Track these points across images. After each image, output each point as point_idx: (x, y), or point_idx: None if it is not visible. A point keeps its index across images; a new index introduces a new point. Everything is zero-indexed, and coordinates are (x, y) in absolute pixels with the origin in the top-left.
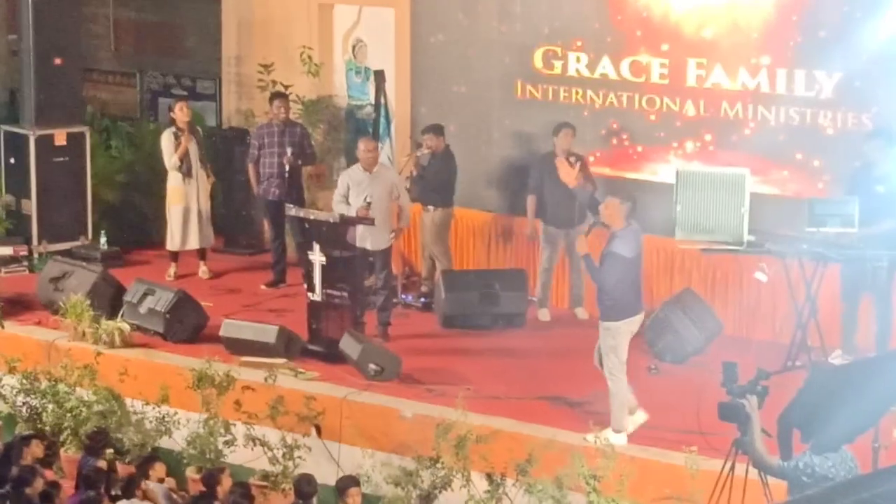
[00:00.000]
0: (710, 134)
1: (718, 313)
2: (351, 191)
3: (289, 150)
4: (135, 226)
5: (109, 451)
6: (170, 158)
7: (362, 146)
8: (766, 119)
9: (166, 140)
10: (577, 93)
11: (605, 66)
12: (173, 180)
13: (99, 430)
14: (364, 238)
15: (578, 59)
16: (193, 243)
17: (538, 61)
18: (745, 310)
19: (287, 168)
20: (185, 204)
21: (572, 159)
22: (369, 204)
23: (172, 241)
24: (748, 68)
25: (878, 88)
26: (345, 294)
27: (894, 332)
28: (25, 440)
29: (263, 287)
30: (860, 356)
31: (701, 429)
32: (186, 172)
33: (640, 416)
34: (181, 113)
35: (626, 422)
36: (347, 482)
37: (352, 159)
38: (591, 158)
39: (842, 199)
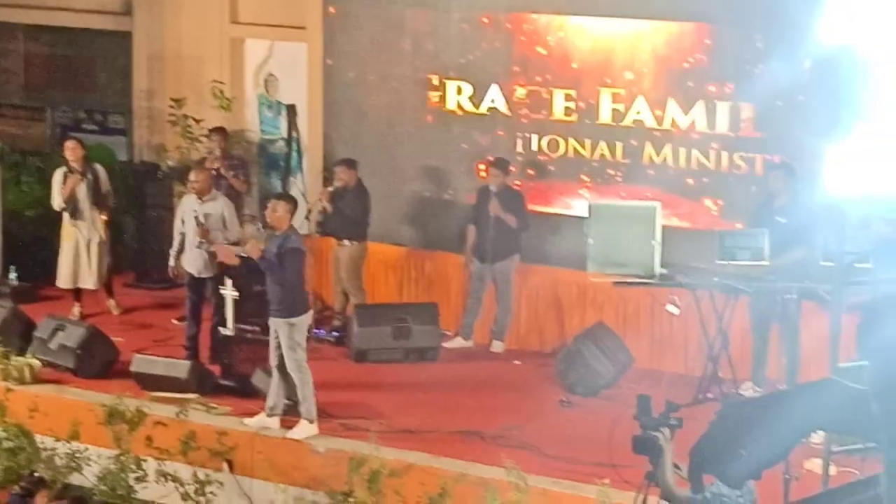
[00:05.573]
0: (621, 168)
1: (631, 346)
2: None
3: None
4: (45, 261)
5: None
6: (55, 198)
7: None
8: (676, 154)
9: (56, 179)
10: (489, 128)
11: (518, 101)
12: (64, 218)
13: (33, 477)
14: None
15: (493, 101)
16: (82, 282)
17: (449, 97)
18: (657, 343)
19: None
20: (73, 242)
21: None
22: (203, 224)
23: (60, 278)
24: (658, 104)
25: (783, 125)
26: (257, 329)
27: (804, 364)
28: None
29: (175, 322)
30: (771, 388)
31: (613, 462)
32: (72, 213)
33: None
34: (69, 151)
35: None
36: None
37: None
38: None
39: (752, 231)
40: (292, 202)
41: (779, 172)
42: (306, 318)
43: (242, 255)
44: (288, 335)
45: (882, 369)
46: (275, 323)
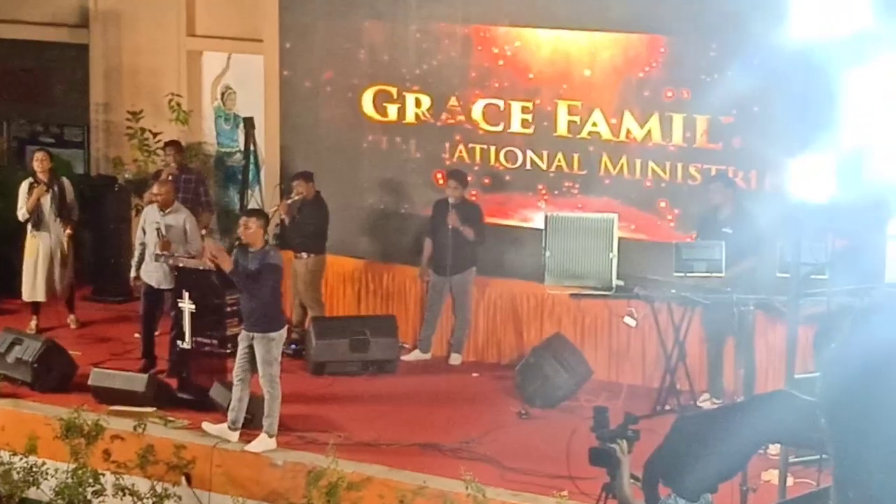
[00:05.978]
0: (578, 180)
1: (588, 358)
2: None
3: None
4: (2, 275)
5: None
6: (20, 209)
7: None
8: (632, 165)
9: (22, 190)
10: (447, 139)
11: (476, 113)
12: (28, 231)
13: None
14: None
15: (451, 112)
16: (40, 295)
17: (407, 108)
18: (615, 354)
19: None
20: (34, 255)
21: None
22: (164, 236)
23: (25, 292)
24: (614, 115)
25: (738, 136)
26: (215, 342)
27: (762, 376)
28: None
29: (138, 336)
30: (728, 399)
31: (571, 473)
32: (34, 225)
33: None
34: (37, 163)
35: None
36: None
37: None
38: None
39: (708, 243)
40: (263, 217)
41: (717, 184)
42: (284, 333)
43: (203, 267)
44: (265, 350)
45: (831, 381)
46: (250, 338)
